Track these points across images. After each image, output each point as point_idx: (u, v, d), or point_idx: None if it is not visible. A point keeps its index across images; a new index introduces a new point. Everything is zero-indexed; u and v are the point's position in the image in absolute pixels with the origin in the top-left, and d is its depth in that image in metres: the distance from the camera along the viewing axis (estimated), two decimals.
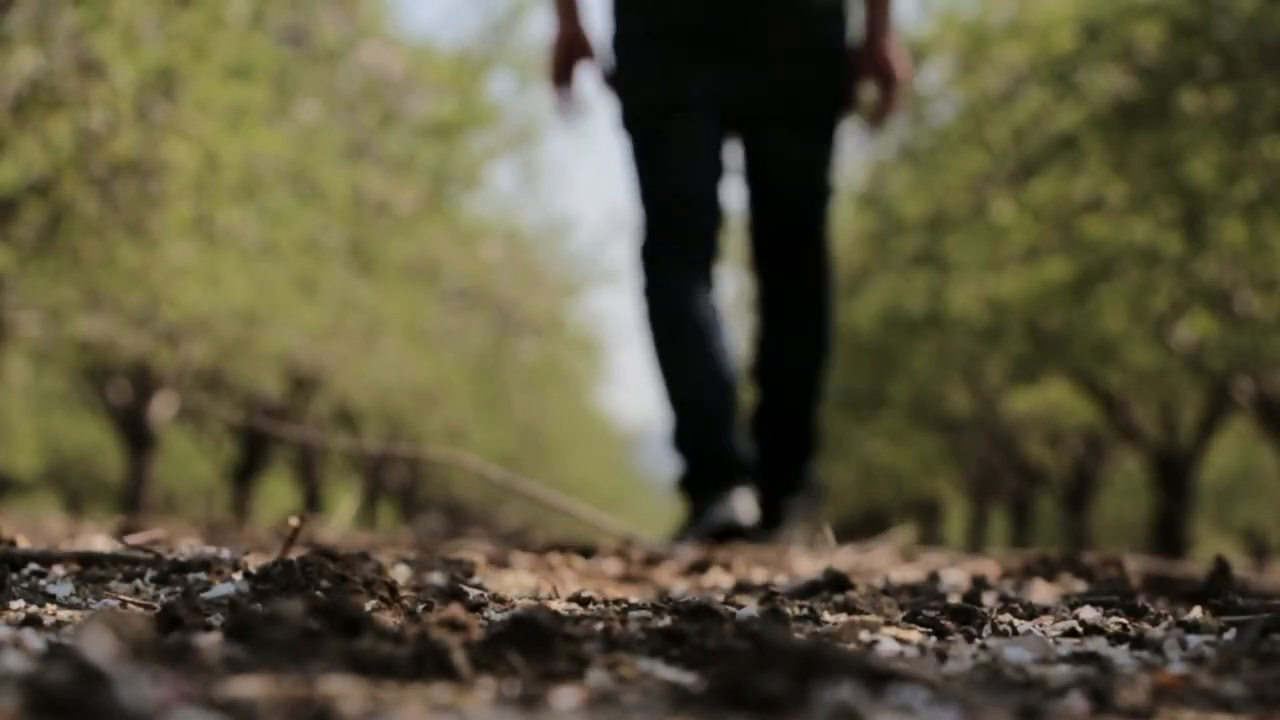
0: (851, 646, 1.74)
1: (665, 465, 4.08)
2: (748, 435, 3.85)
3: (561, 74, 3.94)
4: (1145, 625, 2.08)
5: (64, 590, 2.14)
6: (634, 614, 2.00)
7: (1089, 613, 2.19)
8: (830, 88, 3.80)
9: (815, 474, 3.94)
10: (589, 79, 3.92)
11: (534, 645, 1.43)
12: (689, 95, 3.70)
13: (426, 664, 1.35)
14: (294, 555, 2.50)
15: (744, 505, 3.66)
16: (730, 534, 3.63)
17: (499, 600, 2.26)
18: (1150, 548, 12.51)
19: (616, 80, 3.83)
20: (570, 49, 3.91)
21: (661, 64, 3.71)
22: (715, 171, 3.72)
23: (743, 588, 2.97)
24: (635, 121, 3.79)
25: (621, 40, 3.80)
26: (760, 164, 3.82)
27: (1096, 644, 1.81)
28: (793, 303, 3.84)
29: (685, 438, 3.71)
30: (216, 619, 1.79)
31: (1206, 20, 7.41)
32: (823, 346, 3.88)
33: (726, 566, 3.57)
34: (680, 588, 3.11)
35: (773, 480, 3.83)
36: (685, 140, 3.70)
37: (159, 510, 17.59)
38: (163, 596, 2.17)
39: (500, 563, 3.38)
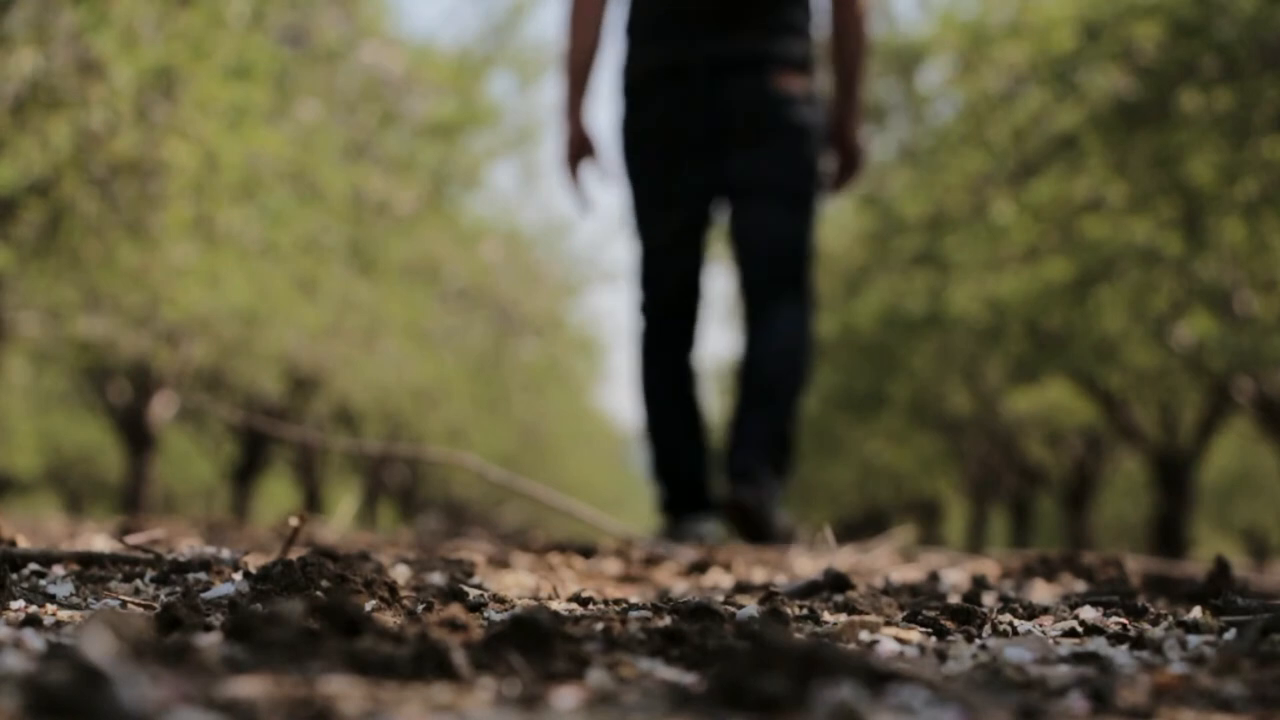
0: (851, 646, 1.74)
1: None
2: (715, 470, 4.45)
3: (573, 169, 4.50)
4: (1145, 625, 2.08)
5: (64, 590, 2.14)
6: (634, 614, 2.00)
7: (1089, 613, 2.19)
8: (804, 164, 4.32)
9: (781, 487, 4.31)
10: (595, 171, 4.52)
11: (534, 645, 1.43)
12: (679, 188, 4.33)
13: (426, 664, 1.35)
14: (294, 555, 2.51)
15: (710, 529, 4.29)
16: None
17: (499, 600, 2.26)
18: (1150, 548, 12.50)
19: (623, 165, 4.45)
20: (578, 148, 4.47)
21: (656, 161, 4.34)
22: (697, 247, 4.38)
23: (743, 588, 2.97)
24: (636, 204, 4.43)
25: (624, 140, 4.40)
26: (745, 231, 4.36)
27: (1096, 644, 1.81)
28: (772, 328, 4.30)
29: (665, 472, 4.37)
30: (216, 619, 1.79)
31: (1206, 20, 7.40)
32: (797, 363, 4.28)
33: (726, 566, 3.57)
34: (680, 588, 3.11)
35: (745, 484, 4.22)
36: (675, 221, 4.36)
37: (159, 510, 17.59)
38: (163, 596, 2.17)
39: (500, 563, 3.38)
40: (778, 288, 4.29)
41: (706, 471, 4.39)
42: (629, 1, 4.41)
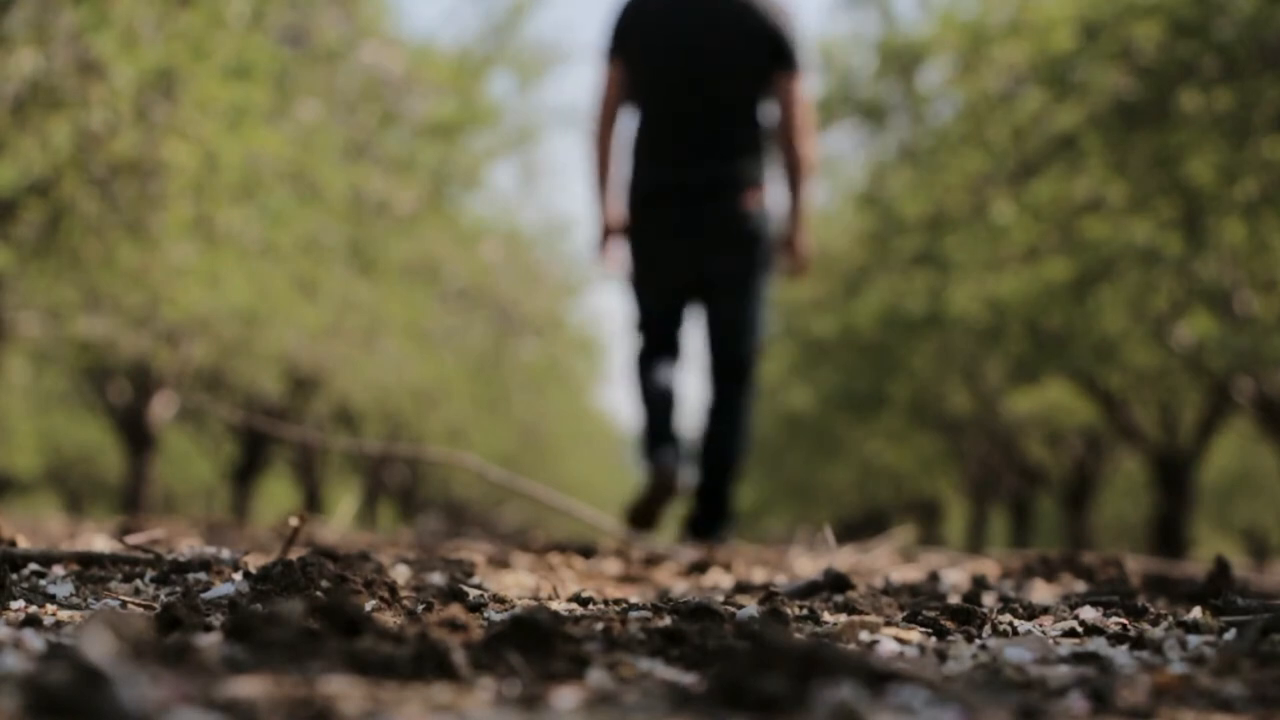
0: (851, 646, 1.74)
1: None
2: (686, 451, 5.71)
3: (604, 245, 5.78)
4: (1145, 625, 2.08)
5: (64, 590, 2.14)
6: (634, 614, 2.00)
7: (1089, 613, 2.19)
8: (757, 266, 5.63)
9: (728, 529, 5.67)
10: (619, 250, 5.80)
11: (534, 645, 1.43)
12: (666, 276, 5.69)
13: (426, 664, 1.35)
14: (294, 555, 2.51)
15: (673, 455, 5.49)
16: (666, 472, 5.44)
17: (499, 600, 2.26)
18: (1150, 548, 12.50)
19: (626, 257, 5.75)
20: (607, 231, 5.74)
21: (651, 253, 5.68)
22: (678, 318, 5.71)
23: (743, 588, 2.97)
24: (634, 286, 5.73)
25: (630, 241, 5.71)
26: (711, 316, 5.68)
27: (1096, 644, 1.81)
28: (725, 412, 5.62)
29: (647, 431, 5.63)
30: (216, 619, 1.79)
31: (1206, 20, 7.40)
32: (740, 443, 5.64)
33: (726, 566, 3.57)
34: (680, 588, 3.12)
35: (701, 523, 5.61)
36: (663, 299, 5.69)
37: (159, 510, 17.58)
38: (163, 596, 2.17)
39: (500, 563, 3.38)
40: (732, 356, 5.63)
41: (674, 427, 5.64)
42: (636, 130, 5.69)
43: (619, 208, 5.79)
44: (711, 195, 5.61)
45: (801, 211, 5.71)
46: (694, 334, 5.89)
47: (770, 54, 5.61)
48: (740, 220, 5.59)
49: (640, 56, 5.70)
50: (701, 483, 5.66)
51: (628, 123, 5.78)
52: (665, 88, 5.66)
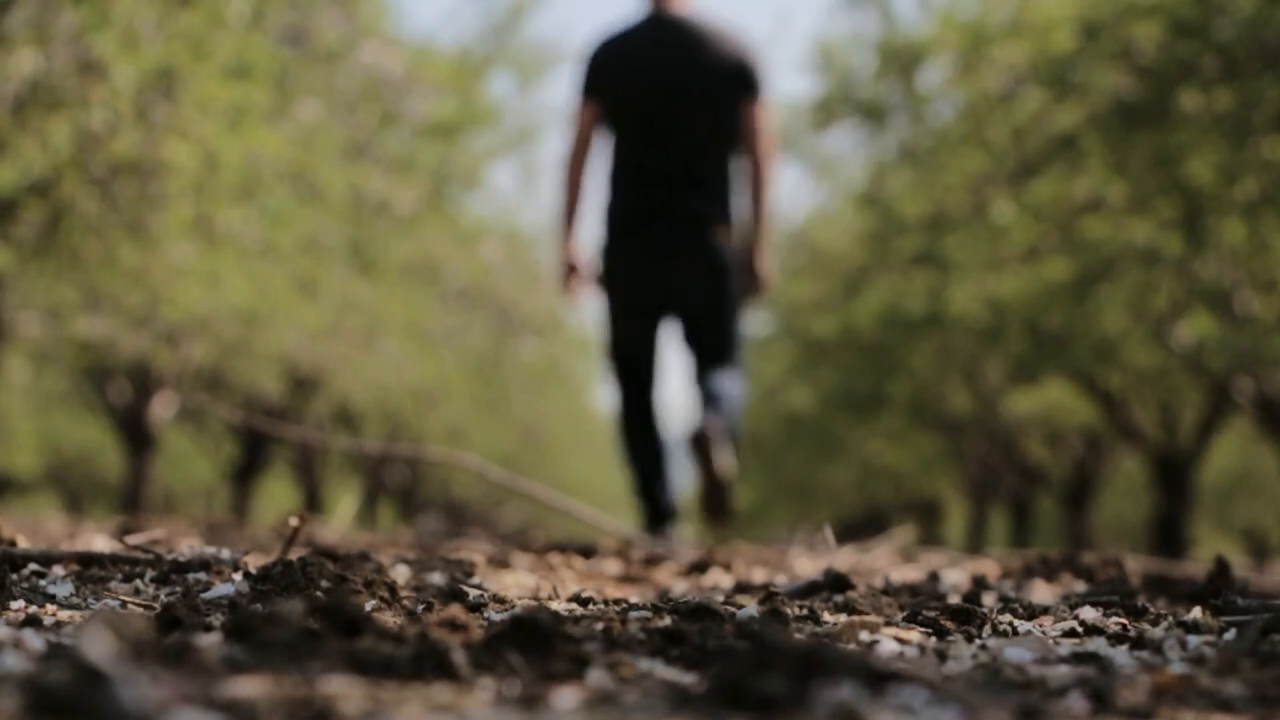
0: (851, 646, 1.74)
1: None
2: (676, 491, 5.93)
3: (565, 282, 6.02)
4: (1145, 625, 2.08)
5: (64, 590, 2.14)
6: (634, 614, 2.00)
7: (1089, 613, 2.19)
8: (728, 285, 5.86)
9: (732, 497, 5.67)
10: (579, 282, 6.01)
11: (534, 645, 1.43)
12: (640, 299, 5.89)
13: (426, 664, 1.35)
14: (294, 555, 2.51)
15: (680, 537, 5.61)
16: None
17: (499, 600, 2.26)
18: (1150, 548, 12.50)
19: (601, 284, 5.96)
20: (567, 268, 5.96)
21: (627, 280, 5.90)
22: (652, 341, 5.91)
23: (743, 588, 2.98)
24: (610, 312, 5.95)
25: (604, 264, 5.93)
26: (689, 330, 5.89)
27: (1096, 644, 1.81)
28: (714, 396, 5.70)
29: (641, 495, 5.83)
30: (216, 619, 1.79)
31: (1206, 20, 7.40)
32: (732, 421, 5.66)
33: (726, 566, 3.57)
34: (680, 588, 3.12)
35: (708, 500, 5.56)
36: (638, 325, 5.89)
37: (159, 510, 17.57)
38: (163, 596, 2.17)
39: (500, 563, 3.38)
40: (715, 371, 5.78)
41: (671, 495, 5.85)
42: (612, 161, 5.92)
43: (582, 248, 6.05)
44: (683, 223, 5.84)
45: (764, 234, 5.94)
46: (674, 342, 6.02)
47: (738, 84, 5.84)
48: (711, 251, 5.81)
49: (614, 92, 5.91)
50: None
51: (601, 158, 6.01)
52: (639, 121, 5.87)
